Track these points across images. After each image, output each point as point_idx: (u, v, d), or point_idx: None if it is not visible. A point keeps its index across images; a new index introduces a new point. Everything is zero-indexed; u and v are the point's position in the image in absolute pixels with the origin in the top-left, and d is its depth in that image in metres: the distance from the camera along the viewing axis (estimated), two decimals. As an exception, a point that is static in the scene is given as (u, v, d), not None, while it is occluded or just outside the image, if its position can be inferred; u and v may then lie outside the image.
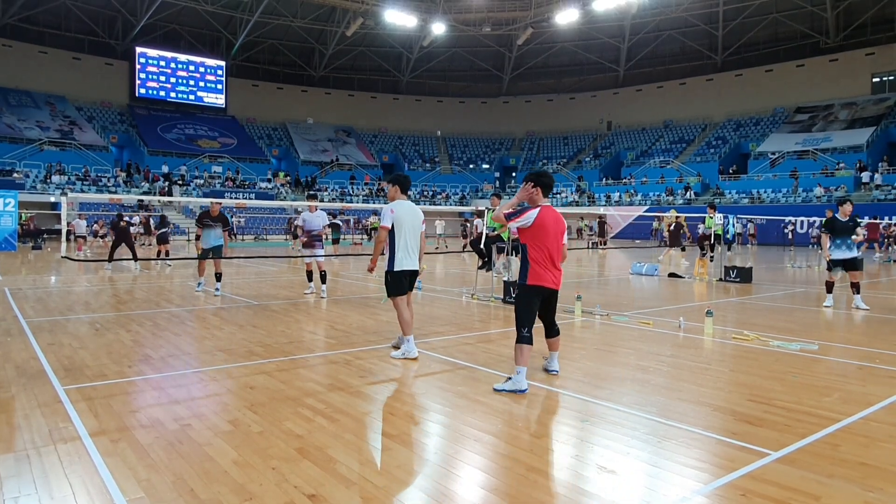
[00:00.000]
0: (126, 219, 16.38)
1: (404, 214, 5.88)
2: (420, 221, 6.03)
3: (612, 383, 5.07)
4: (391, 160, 55.27)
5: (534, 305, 4.94)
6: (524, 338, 4.77)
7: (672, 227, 19.97)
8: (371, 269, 6.03)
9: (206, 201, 10.96)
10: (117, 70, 47.12)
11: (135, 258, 15.47)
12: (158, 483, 3.05)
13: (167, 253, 18.22)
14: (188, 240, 33.21)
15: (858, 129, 39.35)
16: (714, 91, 49.52)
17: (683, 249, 19.89)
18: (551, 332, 5.24)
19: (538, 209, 4.88)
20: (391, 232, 5.86)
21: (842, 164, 36.98)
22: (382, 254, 6.06)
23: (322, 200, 43.47)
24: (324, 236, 10.69)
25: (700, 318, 7.88)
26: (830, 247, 9.61)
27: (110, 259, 15.55)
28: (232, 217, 26.98)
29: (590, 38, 51.63)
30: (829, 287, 9.83)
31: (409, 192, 6.10)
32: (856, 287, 9.60)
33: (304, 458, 3.39)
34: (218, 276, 10.57)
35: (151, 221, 27.04)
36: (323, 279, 10.54)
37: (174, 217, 36.43)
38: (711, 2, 45.34)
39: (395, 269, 5.84)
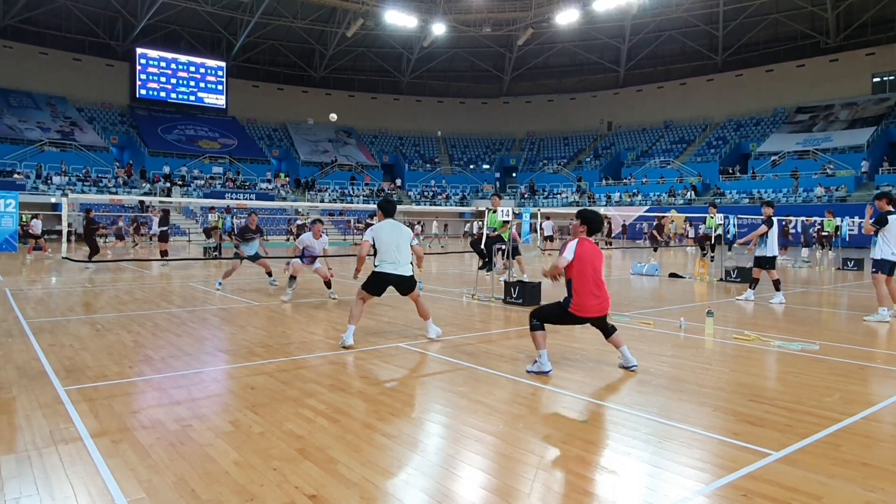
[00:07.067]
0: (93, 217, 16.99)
1: (383, 233, 6.52)
2: (405, 237, 6.56)
3: (612, 383, 5.07)
4: (392, 161, 55.25)
5: (563, 321, 5.37)
6: (533, 326, 5.27)
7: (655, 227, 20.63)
8: (356, 276, 7.03)
9: (207, 202, 10.96)
10: (118, 71, 47.11)
11: (89, 259, 15.51)
12: (159, 484, 3.05)
13: (166, 252, 18.00)
14: (189, 241, 33.24)
15: (859, 129, 39.32)
16: (714, 91, 49.46)
17: (655, 250, 20.51)
18: (607, 332, 5.46)
19: (576, 241, 5.29)
20: (374, 244, 6.61)
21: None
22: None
23: (322, 201, 43.55)
24: (323, 254, 10.72)
25: (701, 318, 7.87)
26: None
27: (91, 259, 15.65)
28: (232, 218, 27.02)
29: (590, 39, 51.59)
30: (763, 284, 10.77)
31: (393, 216, 6.73)
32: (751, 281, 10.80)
33: (305, 459, 3.39)
34: (269, 273, 12.20)
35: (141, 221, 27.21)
36: (328, 285, 10.57)
37: (174, 218, 36.39)
38: (712, 2, 45.31)
39: (374, 270, 6.57)
